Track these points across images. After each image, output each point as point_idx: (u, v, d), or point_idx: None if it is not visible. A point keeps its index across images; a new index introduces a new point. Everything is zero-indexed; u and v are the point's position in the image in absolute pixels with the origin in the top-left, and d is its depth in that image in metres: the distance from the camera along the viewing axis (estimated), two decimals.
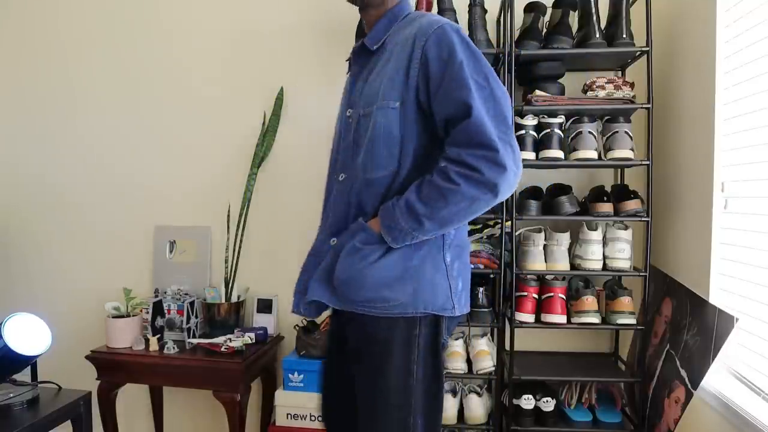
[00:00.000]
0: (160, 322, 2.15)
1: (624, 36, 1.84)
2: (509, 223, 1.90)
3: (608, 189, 1.99)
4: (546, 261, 1.92)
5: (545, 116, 1.89)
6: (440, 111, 1.12)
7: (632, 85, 1.88)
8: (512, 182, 1.08)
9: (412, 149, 1.17)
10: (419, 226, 1.10)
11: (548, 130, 1.87)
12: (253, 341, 2.09)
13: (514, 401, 1.92)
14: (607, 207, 1.86)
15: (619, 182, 2.08)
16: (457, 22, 1.94)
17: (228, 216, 2.27)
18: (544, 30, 1.94)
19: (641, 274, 1.88)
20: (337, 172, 1.27)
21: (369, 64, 1.26)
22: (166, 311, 2.15)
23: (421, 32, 1.15)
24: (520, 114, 1.90)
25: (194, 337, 2.17)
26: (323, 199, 1.36)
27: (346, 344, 1.26)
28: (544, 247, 1.92)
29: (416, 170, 1.17)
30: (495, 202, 1.09)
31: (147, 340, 2.09)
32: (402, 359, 1.17)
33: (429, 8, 1.99)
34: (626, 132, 1.84)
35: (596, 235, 1.89)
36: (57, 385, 1.80)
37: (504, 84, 1.85)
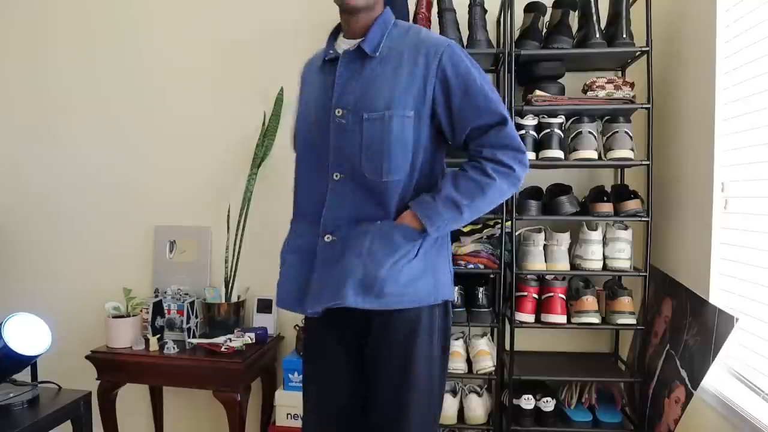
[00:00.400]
0: (160, 322, 2.15)
1: (624, 36, 1.84)
2: (509, 223, 1.90)
3: (608, 189, 1.99)
4: (546, 261, 1.92)
5: (545, 116, 1.89)
6: (469, 120, 1.24)
7: (632, 85, 1.88)
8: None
9: (422, 154, 1.27)
10: (460, 215, 1.25)
11: (548, 130, 1.87)
12: (253, 341, 2.09)
13: (514, 401, 1.92)
14: (607, 207, 1.86)
15: (619, 182, 2.08)
16: (457, 22, 1.95)
17: (228, 216, 2.27)
18: (544, 30, 1.94)
19: (641, 274, 1.88)
20: (329, 170, 1.29)
21: (365, 68, 1.27)
22: (166, 311, 2.15)
23: (432, 49, 1.24)
24: (520, 114, 1.90)
25: (194, 337, 2.16)
26: (297, 194, 1.43)
27: (349, 343, 1.32)
28: (544, 247, 1.92)
29: (426, 173, 1.29)
30: (511, 195, 1.28)
31: (147, 340, 2.09)
32: (426, 345, 1.27)
33: (429, 8, 1.99)
34: (626, 132, 1.84)
35: (596, 235, 1.89)
36: (57, 385, 1.80)
37: (504, 84, 1.89)
